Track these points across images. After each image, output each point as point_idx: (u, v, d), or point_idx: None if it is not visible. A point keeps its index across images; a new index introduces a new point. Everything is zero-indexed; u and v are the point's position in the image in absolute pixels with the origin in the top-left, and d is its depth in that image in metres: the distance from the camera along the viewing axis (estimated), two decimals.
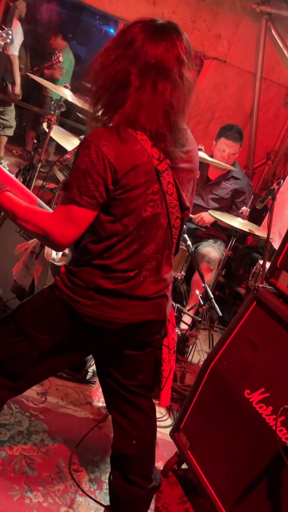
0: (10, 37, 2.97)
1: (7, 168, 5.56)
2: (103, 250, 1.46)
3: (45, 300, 1.60)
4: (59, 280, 1.54)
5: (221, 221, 3.02)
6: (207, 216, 3.67)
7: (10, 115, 5.23)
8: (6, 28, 3.04)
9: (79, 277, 1.50)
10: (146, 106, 1.38)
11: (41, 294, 1.64)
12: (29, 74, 4.06)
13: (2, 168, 1.64)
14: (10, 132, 5.35)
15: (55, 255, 2.69)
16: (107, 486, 1.93)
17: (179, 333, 2.94)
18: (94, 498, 1.95)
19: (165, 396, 1.76)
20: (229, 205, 3.78)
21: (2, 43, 2.99)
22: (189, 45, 1.44)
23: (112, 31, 7.28)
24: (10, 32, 2.98)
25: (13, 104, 5.22)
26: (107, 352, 1.67)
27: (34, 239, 2.73)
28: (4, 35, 2.96)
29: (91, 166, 1.36)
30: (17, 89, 5.10)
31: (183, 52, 1.40)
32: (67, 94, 3.32)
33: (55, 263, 1.84)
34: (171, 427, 2.26)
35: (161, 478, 1.82)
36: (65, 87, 3.36)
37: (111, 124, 1.43)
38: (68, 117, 5.45)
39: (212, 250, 3.45)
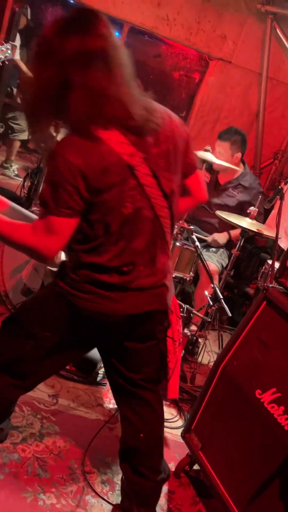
0: (9, 51, 3.05)
1: (16, 172, 5.61)
2: (91, 250, 1.47)
3: (46, 298, 1.64)
4: (58, 277, 1.57)
5: (229, 221, 3.02)
6: (220, 238, 3.65)
7: (22, 119, 5.26)
8: (5, 43, 3.11)
9: (76, 273, 1.51)
10: (89, 100, 1.34)
11: (42, 292, 1.69)
12: None
13: None
14: (23, 136, 5.38)
15: (64, 257, 2.71)
16: (119, 487, 1.94)
17: (188, 334, 2.94)
18: (107, 499, 1.95)
19: (172, 387, 1.78)
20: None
21: (2, 57, 3.06)
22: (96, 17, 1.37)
23: (117, 34, 7.31)
24: (9, 47, 3.06)
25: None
26: (112, 346, 1.68)
27: None
28: (4, 49, 3.04)
29: (61, 178, 1.35)
30: None
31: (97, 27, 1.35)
32: None
33: (52, 268, 1.86)
34: (182, 428, 2.26)
35: (169, 470, 1.84)
36: None
37: (72, 131, 1.40)
38: None
39: (210, 264, 3.40)
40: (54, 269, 2.59)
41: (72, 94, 1.34)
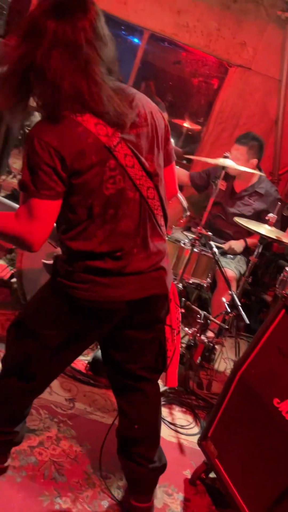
0: None
1: None
2: (78, 236, 1.46)
3: (45, 295, 1.64)
4: (54, 272, 1.57)
5: (248, 228, 3.00)
6: (237, 245, 3.63)
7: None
8: None
9: (70, 264, 1.50)
10: (61, 82, 1.32)
11: (40, 291, 1.68)
12: None
13: None
14: None
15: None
16: None
17: (205, 340, 2.93)
18: (123, 504, 1.95)
19: (171, 376, 1.80)
20: None
21: None
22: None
23: (136, 40, 7.35)
24: None
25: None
26: (112, 336, 1.68)
27: None
28: None
29: (38, 159, 1.34)
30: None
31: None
32: None
33: (46, 261, 1.84)
34: (199, 435, 2.25)
35: (165, 461, 1.89)
36: None
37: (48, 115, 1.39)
38: None
39: (228, 270, 3.38)
40: (49, 262, 2.60)
41: (36, 77, 1.34)
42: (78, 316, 1.58)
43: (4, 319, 2.84)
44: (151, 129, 1.52)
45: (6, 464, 1.86)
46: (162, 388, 2.59)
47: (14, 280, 3.15)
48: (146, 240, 1.54)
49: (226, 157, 3.13)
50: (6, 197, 4.60)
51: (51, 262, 1.70)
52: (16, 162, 5.85)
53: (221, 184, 3.47)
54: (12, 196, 4.62)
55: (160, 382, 1.85)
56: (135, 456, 1.79)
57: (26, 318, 1.67)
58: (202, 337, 2.93)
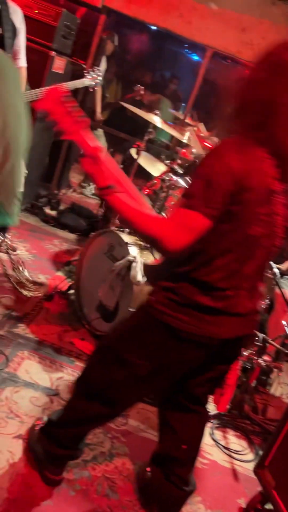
0: (99, 78, 3.18)
1: (93, 191, 5.80)
2: (206, 265, 1.43)
3: (141, 323, 1.60)
4: (153, 299, 1.53)
5: None
6: None
7: (100, 140, 5.46)
8: (96, 69, 3.25)
9: (177, 293, 1.47)
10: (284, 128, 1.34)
11: (134, 317, 1.65)
12: (122, 103, 4.27)
13: (115, 165, 1.58)
14: None
15: (140, 278, 2.73)
16: None
17: (263, 364, 2.84)
18: None
19: (224, 402, 1.78)
20: None
21: (93, 83, 3.20)
22: None
23: (197, 57, 7.41)
24: (100, 73, 3.19)
25: (101, 130, 5.45)
26: (196, 368, 1.65)
27: (120, 262, 2.80)
28: (95, 75, 3.17)
29: (216, 178, 1.33)
30: (98, 116, 5.39)
31: None
32: (156, 121, 3.40)
33: (148, 263, 1.80)
34: (254, 463, 2.17)
35: (195, 484, 1.87)
36: (155, 114, 3.45)
37: (240, 137, 1.39)
38: (153, 143, 5.59)
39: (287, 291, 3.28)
40: (140, 280, 2.60)
41: (263, 108, 1.35)
42: (174, 348, 1.53)
43: (62, 330, 2.88)
44: None
45: (61, 477, 1.87)
46: (214, 411, 2.53)
47: (71, 291, 3.21)
48: (256, 284, 1.55)
49: None
50: (65, 210, 4.72)
51: (152, 263, 1.69)
52: (75, 176, 6.01)
53: None
54: (72, 210, 4.73)
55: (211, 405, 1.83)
56: (175, 478, 1.77)
57: (116, 344, 1.64)
58: (259, 360, 2.84)
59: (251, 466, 2.38)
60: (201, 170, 1.37)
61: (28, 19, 2.88)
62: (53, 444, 1.80)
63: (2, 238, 2.45)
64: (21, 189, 1.74)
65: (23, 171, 1.65)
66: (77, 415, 1.76)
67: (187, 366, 1.63)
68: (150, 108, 5.34)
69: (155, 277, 1.63)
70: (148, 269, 1.87)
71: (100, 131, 5.48)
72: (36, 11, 3.92)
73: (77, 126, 1.45)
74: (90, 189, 5.79)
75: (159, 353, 1.56)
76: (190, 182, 1.40)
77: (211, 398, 1.81)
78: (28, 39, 2.93)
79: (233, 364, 1.72)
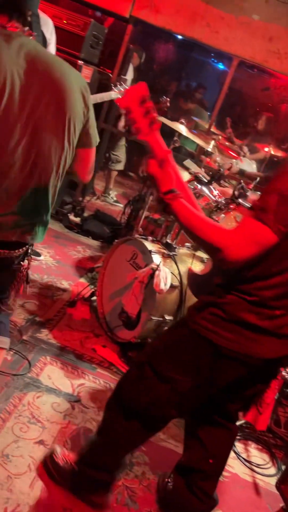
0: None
1: (115, 199, 5.84)
2: (262, 281, 1.38)
3: (180, 338, 1.55)
4: (195, 313, 1.49)
5: None
6: None
7: (121, 150, 5.51)
8: (122, 79, 3.28)
9: (223, 309, 1.43)
10: None
11: (173, 332, 1.62)
12: None
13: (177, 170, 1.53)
14: (120, 166, 5.64)
15: (163, 286, 2.73)
16: None
17: (286, 376, 2.79)
18: None
19: (263, 421, 1.73)
20: None
21: (120, 96, 3.22)
22: None
23: (222, 66, 7.42)
24: (126, 86, 3.21)
25: (124, 140, 5.49)
26: (235, 387, 1.61)
27: (143, 269, 2.80)
28: (122, 89, 3.19)
29: None
30: (121, 125, 5.44)
31: None
32: (182, 130, 3.41)
33: (196, 272, 1.73)
34: (277, 477, 2.13)
35: (218, 498, 1.82)
36: (181, 123, 3.46)
37: None
38: (179, 151, 5.60)
39: None
40: (163, 288, 2.57)
41: None
42: (213, 363, 1.49)
43: (84, 337, 2.89)
44: None
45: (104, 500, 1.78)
46: (239, 422, 2.49)
47: (94, 298, 3.22)
48: None
49: None
50: (89, 217, 4.76)
51: (198, 272, 1.66)
52: (99, 184, 6.06)
53: None
54: (95, 217, 4.76)
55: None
56: (198, 490, 1.73)
57: (155, 360, 1.58)
58: (283, 373, 2.79)
59: (273, 480, 2.33)
60: (276, 185, 1.32)
61: (57, 29, 2.93)
62: (98, 471, 1.72)
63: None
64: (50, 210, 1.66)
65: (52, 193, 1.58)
66: (117, 436, 1.68)
67: (226, 383, 1.57)
68: (187, 116, 5.37)
69: (199, 286, 1.60)
70: (192, 278, 1.83)
71: (122, 140, 5.51)
72: (65, 22, 3.99)
73: (153, 128, 1.44)
74: (112, 196, 5.83)
75: (200, 369, 1.51)
76: (262, 194, 1.35)
77: (242, 415, 1.77)
78: (56, 49, 2.98)
79: (271, 383, 1.68)
